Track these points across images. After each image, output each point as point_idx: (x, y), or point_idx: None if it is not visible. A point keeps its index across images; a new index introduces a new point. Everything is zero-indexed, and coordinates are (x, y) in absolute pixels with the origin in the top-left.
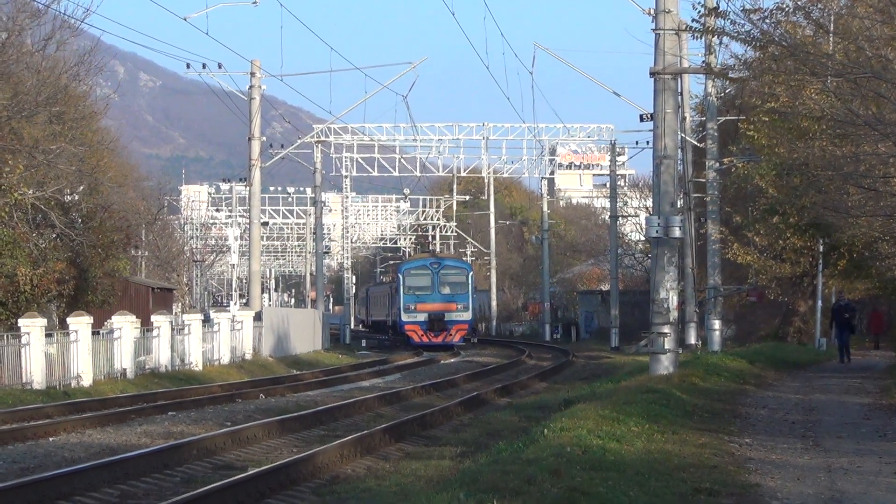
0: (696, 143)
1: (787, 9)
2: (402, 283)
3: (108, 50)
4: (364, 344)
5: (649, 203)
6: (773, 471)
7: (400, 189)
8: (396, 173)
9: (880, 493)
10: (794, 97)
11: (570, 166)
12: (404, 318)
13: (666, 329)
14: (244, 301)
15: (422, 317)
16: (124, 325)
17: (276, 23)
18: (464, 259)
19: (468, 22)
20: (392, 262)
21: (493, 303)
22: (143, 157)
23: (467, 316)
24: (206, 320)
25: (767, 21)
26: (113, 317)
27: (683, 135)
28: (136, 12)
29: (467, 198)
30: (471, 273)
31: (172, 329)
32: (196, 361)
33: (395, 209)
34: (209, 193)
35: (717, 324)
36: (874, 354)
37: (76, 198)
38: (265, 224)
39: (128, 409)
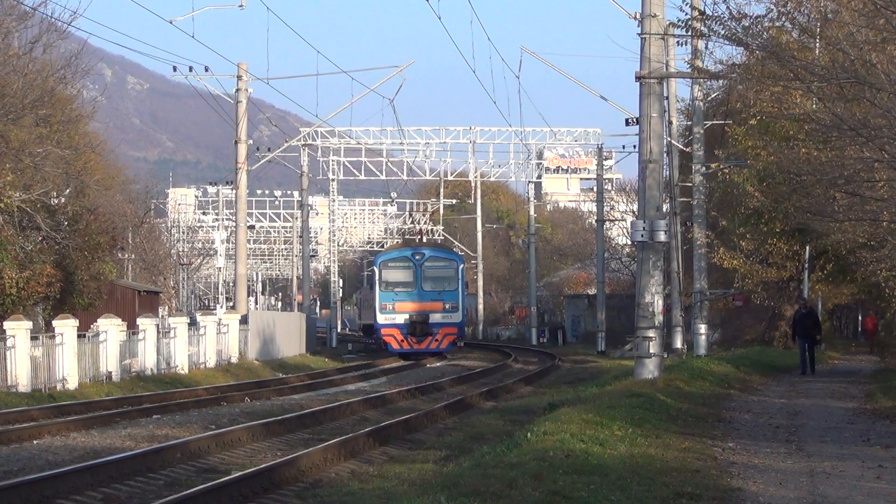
0: (682, 147)
1: (772, 15)
2: (377, 277)
3: (96, 53)
4: (350, 348)
5: (636, 207)
6: (755, 475)
7: (387, 193)
8: (383, 177)
9: (862, 498)
10: (780, 101)
11: (557, 170)
12: (380, 319)
13: (651, 333)
14: (230, 304)
15: (401, 319)
16: (110, 328)
17: (262, 26)
18: (453, 250)
19: (455, 26)
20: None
21: (480, 306)
22: (130, 160)
23: (456, 317)
24: (192, 323)
25: (754, 27)
26: (99, 320)
27: (669, 139)
28: (123, 15)
29: (454, 201)
30: (461, 266)
31: (158, 332)
32: (182, 364)
33: (382, 213)
34: (196, 196)
35: (702, 328)
36: (860, 359)
37: (62, 200)
38: (252, 227)
39: (113, 412)
